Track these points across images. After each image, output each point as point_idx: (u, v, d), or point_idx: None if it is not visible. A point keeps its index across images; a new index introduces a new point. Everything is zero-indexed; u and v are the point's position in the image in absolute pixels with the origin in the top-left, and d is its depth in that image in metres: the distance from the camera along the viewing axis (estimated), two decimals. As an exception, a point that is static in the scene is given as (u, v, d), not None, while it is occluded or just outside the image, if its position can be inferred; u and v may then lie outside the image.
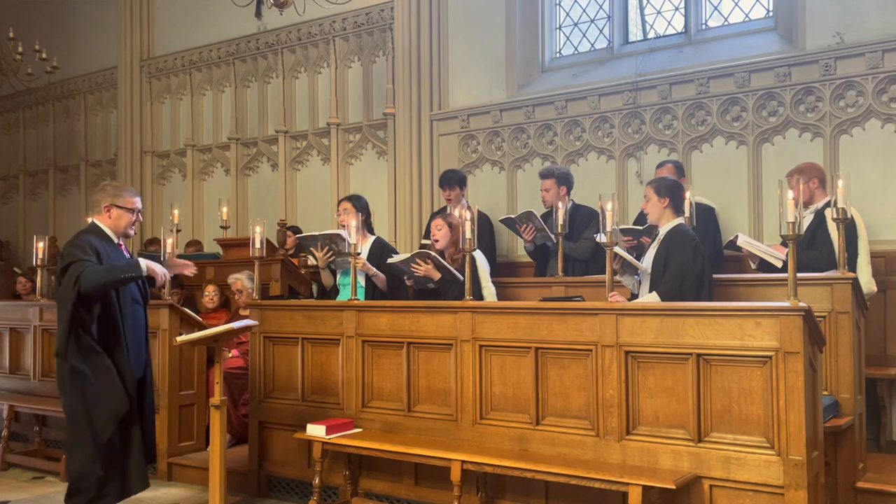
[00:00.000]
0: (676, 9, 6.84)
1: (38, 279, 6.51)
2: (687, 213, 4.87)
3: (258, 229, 4.98)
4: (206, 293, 6.79)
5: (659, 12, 6.94)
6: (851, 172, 4.92)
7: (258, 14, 6.87)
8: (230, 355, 6.04)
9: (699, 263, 4.26)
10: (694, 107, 6.36)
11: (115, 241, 4.37)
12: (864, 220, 4.87)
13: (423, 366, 4.50)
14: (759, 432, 3.49)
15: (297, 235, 6.51)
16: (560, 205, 5.56)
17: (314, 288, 6.88)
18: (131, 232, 4.45)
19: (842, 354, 4.21)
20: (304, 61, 8.65)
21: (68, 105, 10.83)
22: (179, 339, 4.51)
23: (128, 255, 4.47)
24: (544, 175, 6.00)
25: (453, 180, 6.32)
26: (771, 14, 6.41)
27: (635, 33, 7.09)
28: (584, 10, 7.29)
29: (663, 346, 3.72)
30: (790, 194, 3.59)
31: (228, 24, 8.93)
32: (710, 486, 3.57)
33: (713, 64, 6.30)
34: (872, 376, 5.03)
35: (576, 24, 7.33)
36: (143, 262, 4.24)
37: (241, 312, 6.24)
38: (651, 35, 6.99)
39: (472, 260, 4.49)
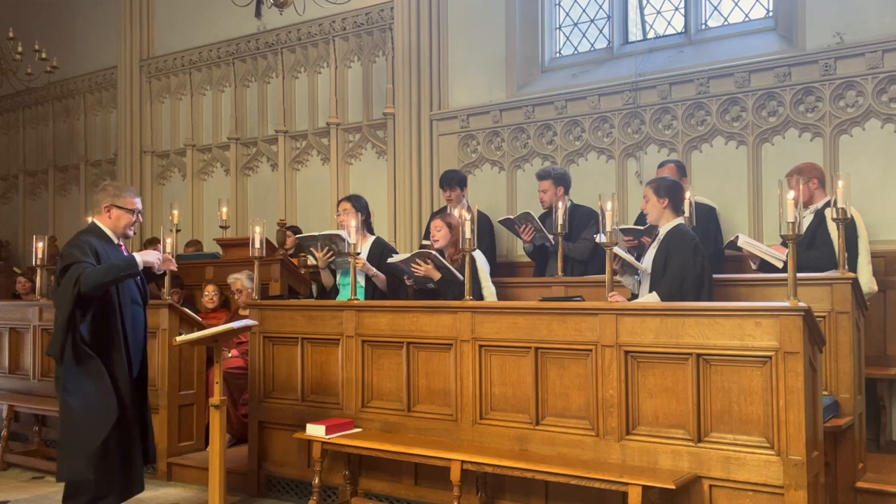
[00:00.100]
0: (676, 9, 6.84)
1: (38, 279, 6.51)
2: (687, 213, 4.87)
3: (258, 229, 4.98)
4: (206, 293, 6.79)
5: (659, 12, 6.94)
6: (851, 172, 4.92)
7: (258, 14, 6.87)
8: (230, 355, 6.04)
9: (699, 263, 4.26)
10: (694, 107, 6.36)
11: (115, 241, 4.36)
12: (864, 220, 4.87)
13: (423, 366, 4.50)
14: (758, 432, 3.49)
15: (297, 235, 6.51)
16: (560, 205, 5.56)
17: (314, 288, 6.88)
18: (131, 233, 4.45)
19: (842, 354, 4.21)
20: (303, 61, 8.64)
21: (68, 105, 10.83)
22: (179, 338, 4.52)
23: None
24: (541, 176, 6.02)
25: (454, 181, 6.32)
26: (771, 14, 6.41)
27: (635, 33, 7.09)
28: (583, 10, 7.29)
29: (663, 346, 3.72)
30: (790, 194, 3.59)
31: (228, 24, 8.93)
32: (710, 486, 3.57)
33: (713, 64, 6.30)
34: (872, 376, 5.03)
35: (576, 24, 7.32)
36: (139, 257, 4.25)
37: (241, 312, 6.24)
38: (651, 35, 6.99)
39: (472, 260, 4.49)
